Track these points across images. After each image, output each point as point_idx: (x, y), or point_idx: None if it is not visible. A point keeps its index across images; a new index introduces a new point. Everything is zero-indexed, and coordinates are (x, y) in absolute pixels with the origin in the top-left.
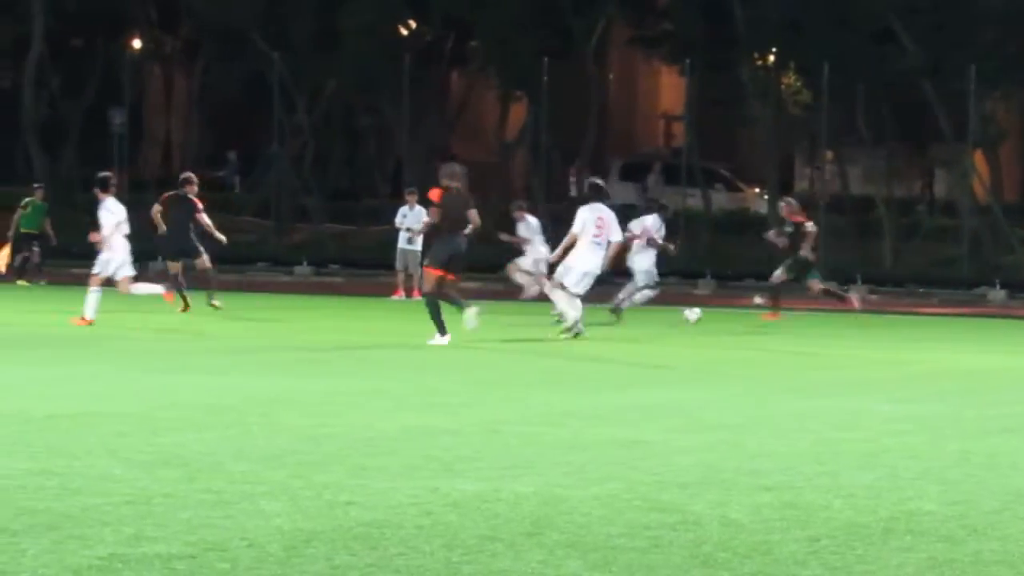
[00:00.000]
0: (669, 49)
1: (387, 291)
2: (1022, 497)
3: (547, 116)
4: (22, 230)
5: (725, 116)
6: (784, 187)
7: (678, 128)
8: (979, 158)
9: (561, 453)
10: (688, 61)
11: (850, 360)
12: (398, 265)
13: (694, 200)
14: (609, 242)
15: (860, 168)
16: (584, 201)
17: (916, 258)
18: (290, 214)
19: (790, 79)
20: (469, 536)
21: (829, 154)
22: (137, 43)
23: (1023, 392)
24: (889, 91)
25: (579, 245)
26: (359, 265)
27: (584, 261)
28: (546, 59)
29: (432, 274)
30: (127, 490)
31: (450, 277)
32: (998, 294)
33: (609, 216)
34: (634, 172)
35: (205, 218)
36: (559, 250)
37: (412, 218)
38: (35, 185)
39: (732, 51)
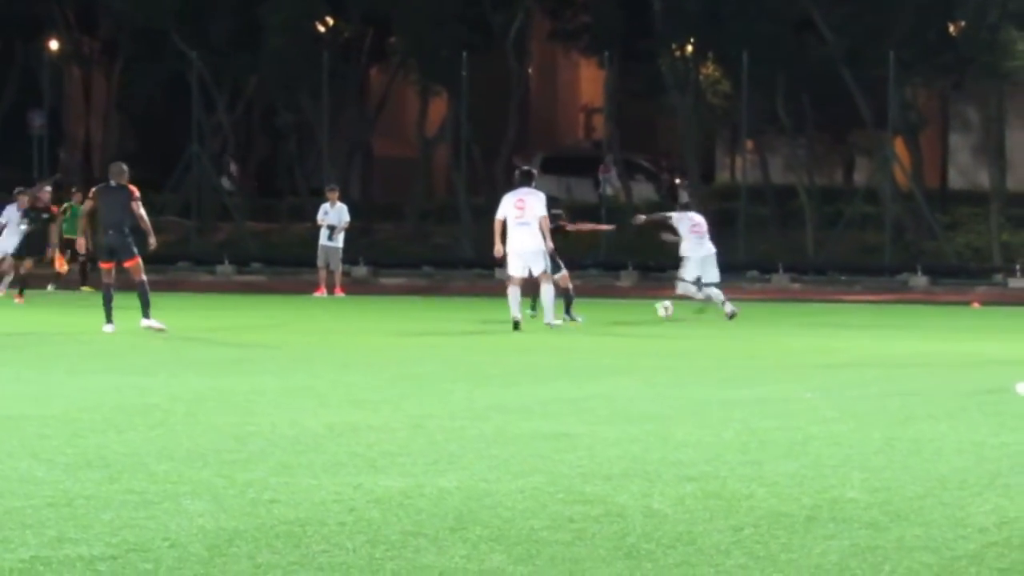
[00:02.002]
0: (588, 41)
1: (309, 288)
2: (945, 483)
3: (468, 110)
4: (65, 236)
5: (645, 107)
6: (705, 177)
7: (599, 120)
8: (899, 145)
9: (485, 447)
10: (607, 53)
11: (775, 349)
12: (320, 262)
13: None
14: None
15: (781, 157)
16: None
17: (838, 246)
18: (211, 213)
19: (709, 69)
20: (393, 532)
21: (750, 143)
22: (55, 45)
23: (946, 378)
24: (809, 79)
25: (508, 230)
26: (281, 263)
27: (513, 243)
28: (466, 53)
29: (102, 268)
30: (49, 492)
31: (128, 263)
32: (920, 280)
33: (531, 197)
34: (556, 165)
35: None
36: (496, 242)
37: (333, 215)
38: (73, 189)
39: (651, 42)
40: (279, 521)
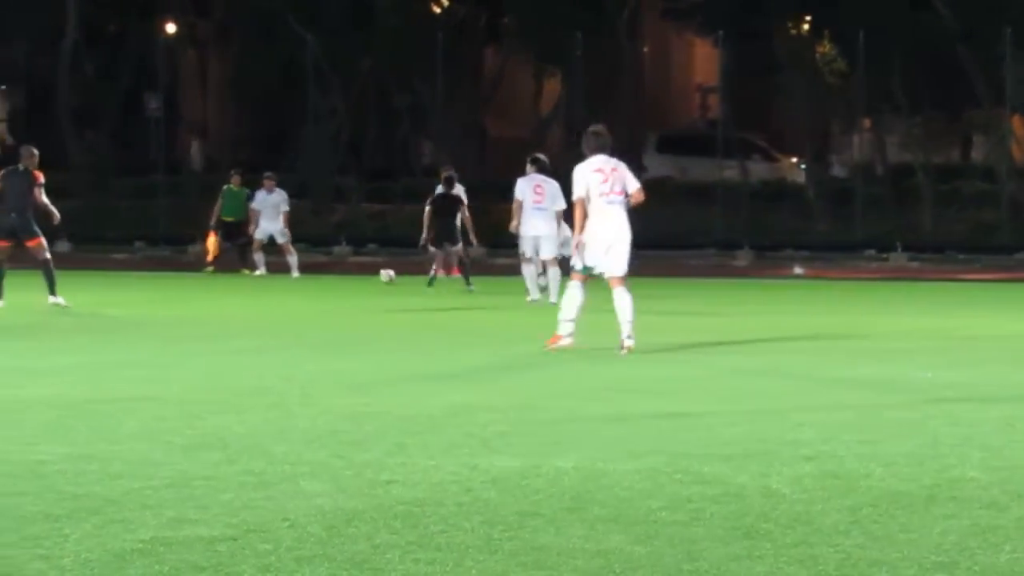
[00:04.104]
0: (702, 20)
1: (424, 269)
2: None
3: (581, 90)
4: (223, 218)
5: (760, 86)
6: (820, 156)
7: (714, 99)
8: (1016, 122)
9: (601, 427)
10: (721, 32)
11: (891, 328)
12: None
13: (731, 171)
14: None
15: (897, 135)
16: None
17: (956, 224)
18: (327, 195)
19: (825, 47)
20: (510, 512)
21: (866, 122)
22: (171, 27)
23: None
24: (924, 57)
25: (524, 213)
26: (396, 243)
27: (527, 226)
28: (579, 33)
29: (0, 246)
30: (168, 473)
31: (31, 243)
32: None
33: (548, 185)
34: (670, 145)
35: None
36: (514, 220)
37: None
38: (232, 172)
39: (766, 20)
40: (396, 501)
